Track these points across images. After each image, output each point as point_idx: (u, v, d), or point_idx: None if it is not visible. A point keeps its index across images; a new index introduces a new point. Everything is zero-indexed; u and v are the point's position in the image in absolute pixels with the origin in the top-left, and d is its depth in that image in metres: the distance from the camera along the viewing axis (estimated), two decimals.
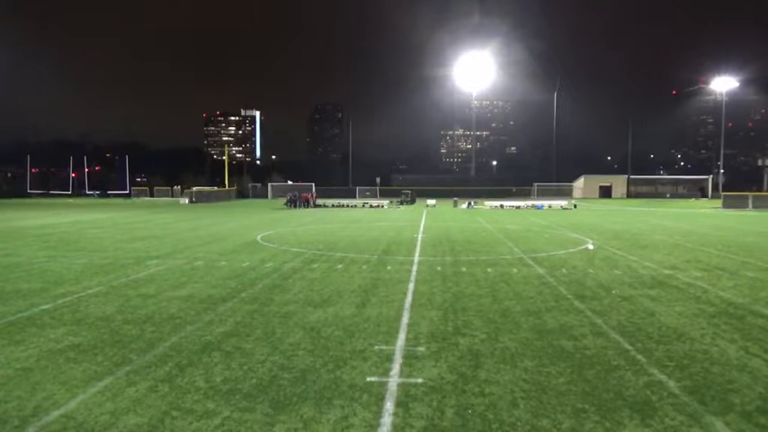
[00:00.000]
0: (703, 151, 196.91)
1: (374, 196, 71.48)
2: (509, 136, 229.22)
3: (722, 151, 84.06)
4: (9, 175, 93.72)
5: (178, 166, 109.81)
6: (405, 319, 8.09)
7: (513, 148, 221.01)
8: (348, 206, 47.81)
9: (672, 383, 5.58)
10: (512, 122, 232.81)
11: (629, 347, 6.76)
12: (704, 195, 79.83)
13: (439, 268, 12.89)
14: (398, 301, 9.28)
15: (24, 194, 78.38)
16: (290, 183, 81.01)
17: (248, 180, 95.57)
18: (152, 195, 78.98)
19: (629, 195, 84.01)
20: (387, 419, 4.75)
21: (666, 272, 12.49)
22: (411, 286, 10.67)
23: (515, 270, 12.61)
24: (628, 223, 28.07)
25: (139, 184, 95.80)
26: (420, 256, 15.09)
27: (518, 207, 45.75)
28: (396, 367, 6.03)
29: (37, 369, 5.97)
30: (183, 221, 28.66)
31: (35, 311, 8.54)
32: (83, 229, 23.53)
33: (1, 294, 9.84)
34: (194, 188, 67.25)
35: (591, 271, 12.54)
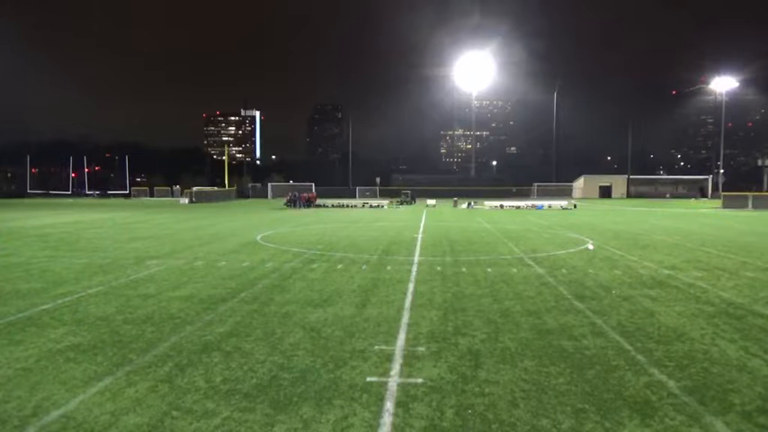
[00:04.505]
0: (703, 151, 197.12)
1: (374, 196, 71.48)
2: (509, 136, 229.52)
3: (722, 151, 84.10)
4: (9, 175, 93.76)
5: (178, 166, 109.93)
6: (405, 319, 8.09)
7: (513, 148, 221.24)
8: (348, 206, 47.80)
9: (672, 383, 5.58)
10: (512, 122, 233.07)
11: (629, 347, 6.76)
12: (704, 195, 79.89)
13: (439, 268, 12.89)
14: (398, 302, 9.28)
15: (24, 194, 78.44)
16: (291, 183, 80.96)
17: (248, 180, 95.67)
18: (152, 195, 79.05)
19: (629, 195, 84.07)
20: (387, 419, 4.75)
21: (666, 272, 12.49)
22: (411, 286, 10.67)
23: (515, 270, 12.61)
24: (628, 223, 28.07)
25: (139, 184, 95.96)
26: (420, 256, 15.09)
27: (518, 207, 45.74)
28: (396, 367, 6.03)
29: (37, 369, 5.97)
30: (182, 221, 28.65)
31: (35, 311, 8.54)
32: (83, 229, 23.53)
33: (1, 294, 9.84)
34: (194, 188, 67.30)
35: (591, 271, 12.54)
